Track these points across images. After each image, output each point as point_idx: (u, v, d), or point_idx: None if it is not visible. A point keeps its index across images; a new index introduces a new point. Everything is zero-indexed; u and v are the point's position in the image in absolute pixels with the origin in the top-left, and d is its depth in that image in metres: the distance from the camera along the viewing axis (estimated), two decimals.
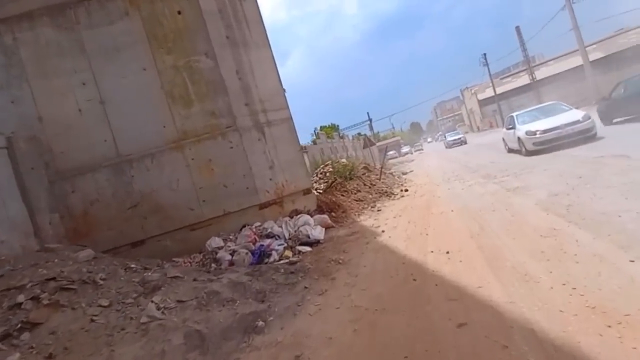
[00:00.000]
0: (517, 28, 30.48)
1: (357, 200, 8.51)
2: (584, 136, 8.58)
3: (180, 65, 6.58)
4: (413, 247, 4.22)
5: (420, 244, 4.25)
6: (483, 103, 47.83)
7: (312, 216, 6.99)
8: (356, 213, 7.49)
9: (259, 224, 6.68)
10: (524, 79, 44.17)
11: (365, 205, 8.20)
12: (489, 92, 45.92)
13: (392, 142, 55.97)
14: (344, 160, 14.06)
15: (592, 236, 3.08)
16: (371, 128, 68.16)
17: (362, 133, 72.93)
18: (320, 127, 66.57)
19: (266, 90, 7.07)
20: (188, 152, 6.56)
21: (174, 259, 5.75)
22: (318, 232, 6.08)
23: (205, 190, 6.58)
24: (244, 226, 6.59)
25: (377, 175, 12.05)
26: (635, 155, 5.53)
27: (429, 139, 74.00)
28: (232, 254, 5.59)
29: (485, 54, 36.83)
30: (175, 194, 6.48)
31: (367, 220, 6.76)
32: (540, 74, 37.23)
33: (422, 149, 48.34)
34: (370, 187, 10.25)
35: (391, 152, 43.43)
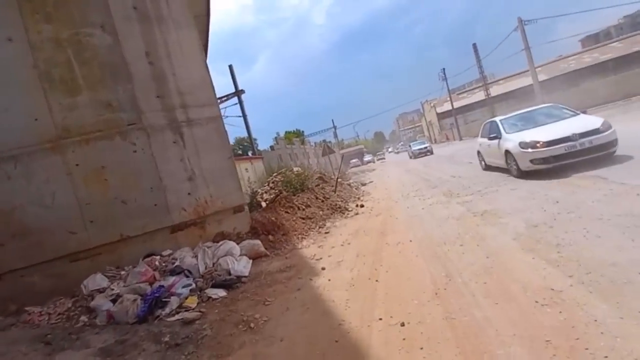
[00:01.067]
0: (474, 45, 31.43)
1: (304, 219, 7.17)
2: (606, 152, 5.86)
3: (64, 38, 4.86)
4: (356, 304, 2.93)
5: (366, 300, 2.97)
6: (441, 116, 49.21)
7: (243, 240, 5.55)
8: (299, 236, 6.15)
9: (170, 252, 5.10)
10: (478, 95, 46.17)
11: (313, 225, 6.89)
12: (447, 106, 47.33)
13: (355, 150, 55.90)
14: (297, 168, 12.73)
15: (616, 312, 1.97)
16: (335, 135, 67.94)
17: (327, 140, 72.47)
18: (285, 132, 65.43)
19: (188, 80, 5.54)
20: (71, 156, 4.82)
21: (26, 309, 4.00)
22: (242, 266, 4.63)
23: (94, 208, 4.87)
24: (149, 256, 4.97)
25: (332, 186, 10.85)
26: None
27: (390, 149, 74.45)
28: (114, 300, 3.98)
29: (444, 69, 37.74)
30: (50, 212, 4.70)
31: (309, 247, 5.43)
32: (494, 91, 38.87)
33: (384, 158, 48.54)
34: (322, 201, 8.98)
35: (354, 160, 43.04)
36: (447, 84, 37.53)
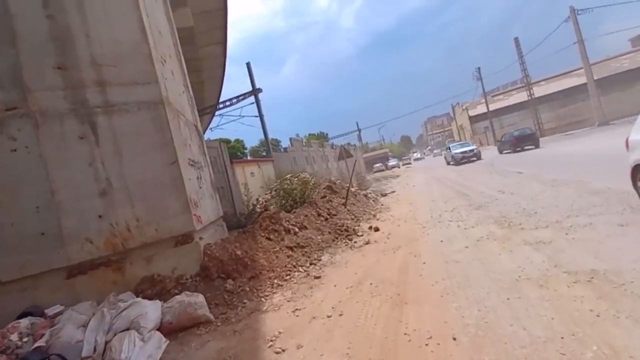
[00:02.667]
0: (516, 39, 27.91)
1: (292, 248, 5.09)
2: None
3: None
4: None
5: None
6: (474, 120, 45.37)
7: (187, 287, 3.59)
8: (275, 281, 4.07)
9: (60, 309, 3.21)
10: (515, 98, 42.01)
11: (302, 260, 4.79)
12: (480, 109, 43.52)
13: (379, 154, 53.09)
14: (305, 174, 10.68)
15: None
16: (360, 138, 65.35)
17: (351, 143, 70.25)
18: (309, 134, 63.83)
19: (110, 45, 3.66)
20: None
21: None
22: (147, 353, 2.64)
23: None
24: (26, 315, 3.11)
25: (343, 198, 8.70)
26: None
27: (417, 154, 69.26)
28: None
29: (479, 68, 34.27)
30: None
31: (279, 309, 3.33)
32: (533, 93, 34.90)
33: (410, 163, 45.44)
34: (326, 219, 6.86)
35: (377, 165, 40.37)
36: (482, 83, 34.09)
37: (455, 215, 5.84)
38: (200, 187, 4.75)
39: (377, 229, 6.20)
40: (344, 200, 8.55)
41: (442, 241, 4.51)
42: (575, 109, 30.89)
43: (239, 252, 4.16)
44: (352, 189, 10.73)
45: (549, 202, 5.15)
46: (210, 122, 32.48)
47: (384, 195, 11.64)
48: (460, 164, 18.31)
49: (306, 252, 5.14)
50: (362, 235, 6.01)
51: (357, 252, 5.00)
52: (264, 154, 33.05)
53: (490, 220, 4.96)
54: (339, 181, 11.41)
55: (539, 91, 36.29)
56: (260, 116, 24.69)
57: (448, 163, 21.11)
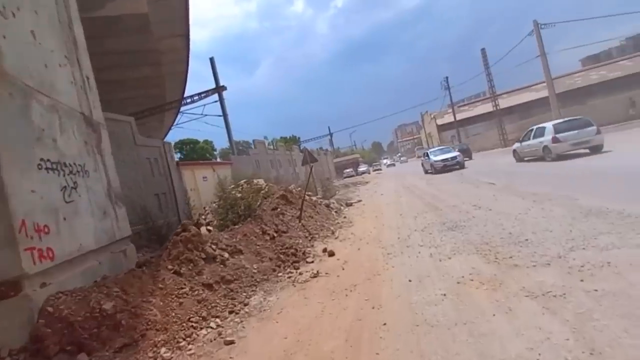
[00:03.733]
0: (483, 50, 28.29)
1: (210, 286, 3.67)
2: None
3: None
4: None
5: None
6: (442, 128, 46.06)
7: None
8: (163, 350, 2.66)
9: None
10: (481, 109, 43.11)
11: (219, 308, 3.39)
12: (448, 118, 44.20)
13: (350, 159, 52.51)
14: (259, 180, 9.25)
15: None
16: (331, 143, 64.68)
17: (323, 148, 69.43)
18: (280, 137, 62.18)
19: None
20: None
21: None
22: None
23: None
24: None
25: (299, 208, 7.39)
26: None
27: (387, 160, 68.04)
28: None
29: (447, 77, 34.56)
30: None
31: None
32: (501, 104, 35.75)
33: (380, 170, 45.11)
34: (272, 239, 5.49)
35: (348, 170, 39.56)
36: (449, 92, 34.39)
37: (427, 238, 4.70)
38: (70, 201, 3.21)
39: (331, 254, 4.92)
40: (299, 212, 7.24)
41: (410, 281, 3.29)
42: (538, 120, 31.83)
43: (107, 306, 2.68)
44: (314, 198, 9.45)
45: (540, 225, 4.12)
46: (174, 120, 30.08)
47: (349, 205, 10.47)
48: (439, 172, 15.65)
49: (232, 290, 3.74)
50: (312, 262, 4.71)
51: (300, 291, 3.67)
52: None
53: (470, 248, 3.82)
54: (299, 189, 10.09)
55: (502, 103, 37.38)
56: (225, 115, 22.90)
57: (426, 172, 17.97)
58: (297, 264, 4.73)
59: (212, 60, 23.07)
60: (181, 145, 47.72)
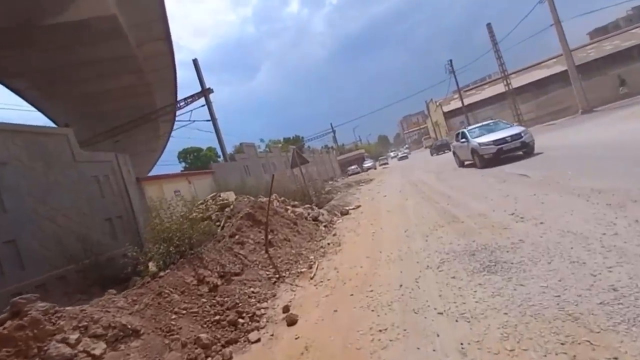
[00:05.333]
0: (489, 26, 25.64)
1: None
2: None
3: None
4: None
5: None
6: (449, 115, 43.36)
7: None
8: None
9: None
10: (488, 92, 40.26)
11: None
12: (454, 104, 41.51)
13: (354, 155, 50.34)
14: (229, 194, 7.38)
15: None
16: (335, 140, 62.55)
17: (328, 145, 67.42)
18: (283, 138, 60.37)
19: None
20: None
21: None
22: None
23: None
24: None
25: (275, 231, 5.49)
26: None
27: (392, 154, 63.93)
28: None
29: (451, 60, 31.98)
30: None
31: None
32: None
33: (387, 164, 42.80)
34: (211, 291, 3.60)
35: (352, 167, 37.43)
36: (454, 76, 31.83)
37: (448, 291, 2.70)
38: None
39: (292, 321, 2.98)
40: (273, 235, 5.32)
41: None
42: (555, 96, 29.04)
43: None
44: (298, 211, 7.53)
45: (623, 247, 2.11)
46: (171, 128, 28.55)
47: (345, 213, 8.50)
48: (491, 164, 9.21)
49: None
50: (256, 342, 2.79)
51: None
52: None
53: (539, 329, 1.85)
54: (282, 198, 8.16)
55: (513, 83, 34.64)
56: (213, 120, 21.20)
57: (462, 164, 11.76)
58: (236, 342, 2.83)
59: (195, 61, 21.46)
60: (185, 154, 46.32)
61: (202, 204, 7.02)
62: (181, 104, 22.24)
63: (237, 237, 5.00)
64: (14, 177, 5.98)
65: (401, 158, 44.50)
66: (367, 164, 37.78)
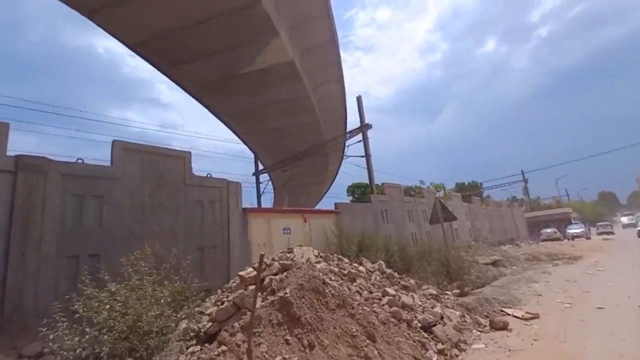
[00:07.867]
0: None
1: None
2: None
3: None
4: None
5: None
6: None
7: None
8: None
9: None
10: None
11: None
12: None
13: (554, 214, 37.10)
14: (307, 250, 5.22)
15: None
16: (526, 191, 49.32)
17: (517, 197, 54.42)
18: (456, 184, 53.32)
19: None
20: None
21: None
22: None
23: None
24: None
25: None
26: None
27: (625, 219, 40.73)
28: None
29: None
30: None
31: None
32: None
33: (612, 233, 28.71)
34: None
35: (548, 230, 27.09)
36: None
37: None
38: None
39: None
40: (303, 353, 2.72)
41: None
42: None
43: None
44: (406, 299, 4.45)
45: None
46: (339, 166, 30.31)
47: (498, 327, 4.51)
48: None
49: None
50: None
51: None
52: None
53: None
54: (389, 270, 5.22)
55: None
56: (367, 155, 20.21)
57: None
58: None
59: (358, 98, 21.44)
60: (353, 188, 48.30)
61: (255, 263, 5.23)
62: (338, 139, 22.74)
63: (232, 345, 2.69)
64: (121, 193, 6.16)
65: None
66: (575, 229, 26.41)
